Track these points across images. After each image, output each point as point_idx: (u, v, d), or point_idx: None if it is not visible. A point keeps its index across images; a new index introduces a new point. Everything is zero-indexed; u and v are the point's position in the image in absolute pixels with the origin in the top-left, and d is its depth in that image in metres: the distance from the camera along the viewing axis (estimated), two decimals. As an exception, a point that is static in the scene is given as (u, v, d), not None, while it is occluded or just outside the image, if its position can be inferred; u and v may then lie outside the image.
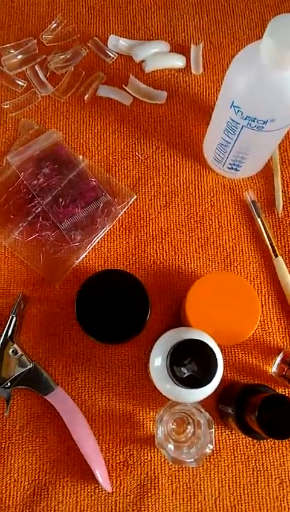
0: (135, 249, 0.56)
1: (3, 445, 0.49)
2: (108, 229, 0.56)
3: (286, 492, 0.49)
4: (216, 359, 0.37)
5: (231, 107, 0.46)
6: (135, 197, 0.58)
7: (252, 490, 0.49)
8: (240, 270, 0.55)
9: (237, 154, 0.52)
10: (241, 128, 0.47)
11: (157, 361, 0.42)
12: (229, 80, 0.46)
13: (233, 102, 0.46)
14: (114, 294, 0.49)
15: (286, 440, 0.50)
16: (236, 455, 0.50)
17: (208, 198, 0.58)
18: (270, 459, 0.50)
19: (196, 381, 0.37)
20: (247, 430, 0.44)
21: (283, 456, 0.50)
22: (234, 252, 0.56)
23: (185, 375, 0.37)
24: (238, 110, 0.46)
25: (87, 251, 0.55)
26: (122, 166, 0.59)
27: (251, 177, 0.59)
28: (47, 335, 0.52)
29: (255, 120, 0.45)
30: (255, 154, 0.53)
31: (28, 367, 0.50)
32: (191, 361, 0.37)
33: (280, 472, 0.49)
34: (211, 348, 0.38)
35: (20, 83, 0.62)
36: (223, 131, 0.50)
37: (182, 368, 0.37)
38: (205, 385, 0.37)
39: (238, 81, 0.45)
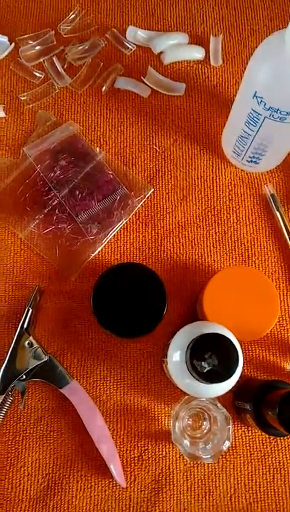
0: (152, 243, 0.55)
1: (17, 438, 0.49)
2: (124, 222, 0.56)
3: (303, 492, 0.48)
4: (237, 353, 0.37)
5: (253, 98, 0.45)
6: (152, 190, 0.57)
7: (268, 488, 0.48)
8: (258, 264, 0.55)
9: (258, 147, 0.51)
10: (264, 119, 0.46)
11: (176, 355, 0.41)
12: (252, 70, 0.45)
13: (256, 92, 0.45)
14: (131, 287, 0.49)
15: (304, 438, 0.49)
16: (252, 452, 0.49)
17: (226, 192, 0.57)
18: (287, 457, 0.49)
19: (216, 376, 0.36)
20: (265, 427, 0.44)
21: (300, 454, 0.49)
22: (252, 246, 0.55)
23: (206, 370, 0.36)
24: (261, 101, 0.45)
25: (104, 244, 0.55)
26: (140, 159, 0.58)
27: (270, 170, 0.58)
28: (62, 328, 0.52)
29: (278, 111, 0.45)
30: (275, 147, 0.52)
31: (44, 360, 0.49)
32: (211, 356, 0.36)
33: (297, 471, 0.48)
34: (232, 342, 0.37)
35: (37, 74, 0.61)
36: (244, 123, 0.49)
37: (203, 362, 0.36)
38: (226, 380, 0.37)
39: (262, 70, 0.44)
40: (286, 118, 0.45)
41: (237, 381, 0.41)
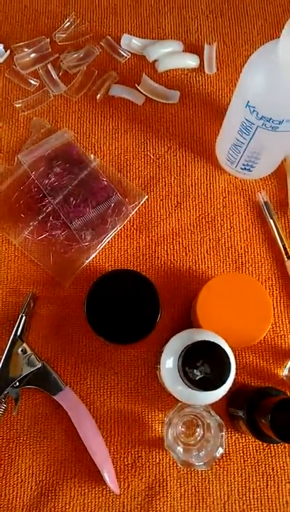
0: (146, 249, 0.55)
1: (11, 445, 0.49)
2: (119, 229, 0.56)
3: (296, 498, 0.48)
4: (229, 361, 0.37)
5: (246, 107, 0.46)
6: (146, 197, 0.57)
7: (262, 495, 0.48)
8: (252, 271, 0.55)
9: (251, 155, 0.52)
10: (256, 128, 0.47)
11: (169, 362, 0.41)
12: (245, 80, 0.46)
13: (248, 102, 0.45)
14: (124, 294, 0.49)
15: (297, 445, 0.49)
16: (246, 459, 0.49)
17: (220, 199, 0.57)
18: (280, 464, 0.49)
19: (208, 384, 0.37)
20: (258, 434, 0.44)
21: (293, 461, 0.49)
22: (246, 253, 0.55)
23: (198, 377, 0.36)
24: (254, 110, 0.45)
25: (98, 251, 0.55)
26: (134, 166, 0.59)
27: (264, 178, 0.58)
28: (56, 335, 0.52)
29: (271, 120, 0.45)
30: (268, 155, 0.52)
31: (37, 366, 0.49)
32: (204, 363, 0.36)
33: (290, 477, 0.49)
34: (225, 350, 0.37)
35: (32, 82, 0.62)
36: (237, 132, 0.50)
37: (195, 370, 0.37)
38: (218, 387, 0.37)
39: (254, 80, 0.44)
40: (278, 127, 0.46)
41: (230, 388, 0.41)
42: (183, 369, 0.37)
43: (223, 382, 0.37)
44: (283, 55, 0.40)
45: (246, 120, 0.47)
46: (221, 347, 0.37)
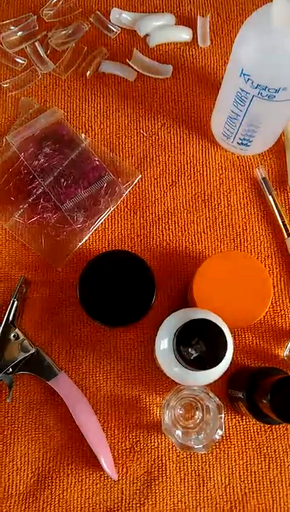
0: (140, 230, 0.54)
1: (5, 433, 0.48)
2: (112, 209, 0.54)
3: (300, 481, 0.47)
4: (225, 339, 0.35)
5: (240, 76, 0.44)
6: (140, 176, 0.55)
7: (264, 477, 0.47)
8: (251, 250, 0.53)
9: (247, 128, 0.50)
10: (252, 98, 0.45)
11: (164, 343, 0.40)
12: (238, 47, 0.44)
13: (242, 70, 0.43)
14: (119, 276, 0.47)
15: (300, 426, 0.48)
16: (247, 441, 0.48)
17: (216, 176, 0.55)
18: (282, 445, 0.48)
19: (204, 363, 0.35)
20: (258, 415, 0.42)
21: (296, 443, 0.48)
22: (244, 231, 0.54)
23: (193, 356, 0.35)
24: (248, 79, 0.43)
25: (91, 233, 0.53)
26: (127, 144, 0.57)
27: (262, 153, 0.56)
28: (50, 319, 0.51)
29: (266, 89, 0.43)
30: (266, 128, 0.50)
31: (31, 352, 0.48)
32: (198, 342, 0.35)
33: (293, 459, 0.47)
34: (220, 328, 0.36)
35: (20, 61, 0.59)
36: (232, 103, 0.48)
37: (190, 349, 0.35)
38: (214, 366, 0.35)
39: (248, 47, 0.42)
40: (274, 96, 0.43)
41: (230, 369, 0.40)
42: (178, 349, 0.35)
43: (219, 361, 0.35)
44: (276, 15, 0.38)
45: (241, 90, 0.45)
46: (216, 325, 0.36)
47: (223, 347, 0.35)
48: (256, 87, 0.43)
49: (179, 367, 0.38)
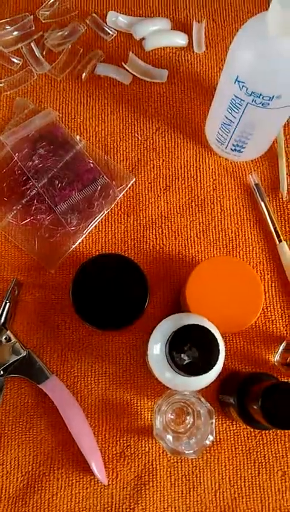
0: (134, 234, 0.54)
1: (-5, 436, 0.48)
2: (106, 212, 0.54)
3: (289, 485, 0.47)
4: (218, 345, 0.35)
5: (235, 83, 0.44)
6: (134, 179, 0.55)
7: (254, 483, 0.47)
8: (243, 255, 0.53)
9: (241, 134, 0.50)
10: (246, 105, 0.45)
11: (156, 348, 0.40)
12: (233, 54, 0.44)
13: (237, 77, 0.43)
14: (112, 279, 0.47)
15: (289, 431, 0.48)
16: (237, 447, 0.48)
17: (210, 182, 0.56)
18: (272, 451, 0.48)
19: (196, 368, 0.35)
20: (249, 420, 0.42)
21: (285, 447, 0.48)
22: (237, 237, 0.54)
23: (186, 362, 0.35)
24: (243, 86, 0.43)
25: (84, 235, 0.53)
26: (121, 147, 0.57)
27: (255, 160, 0.57)
28: (42, 322, 0.50)
29: (261, 96, 0.43)
30: (259, 135, 0.51)
31: (22, 355, 0.48)
32: (191, 347, 0.35)
33: (282, 464, 0.47)
34: (213, 334, 0.36)
35: (15, 61, 0.59)
36: (226, 109, 0.48)
37: (182, 355, 0.35)
38: (206, 372, 0.35)
39: (243, 54, 0.43)
40: (268, 103, 0.44)
41: (221, 375, 0.40)
42: (171, 354, 0.35)
43: (211, 367, 0.35)
44: (272, 23, 0.38)
45: (236, 97, 0.45)
46: (209, 330, 0.36)
47: (216, 353, 0.35)
48: (250, 95, 0.44)
49: (171, 372, 0.38)
